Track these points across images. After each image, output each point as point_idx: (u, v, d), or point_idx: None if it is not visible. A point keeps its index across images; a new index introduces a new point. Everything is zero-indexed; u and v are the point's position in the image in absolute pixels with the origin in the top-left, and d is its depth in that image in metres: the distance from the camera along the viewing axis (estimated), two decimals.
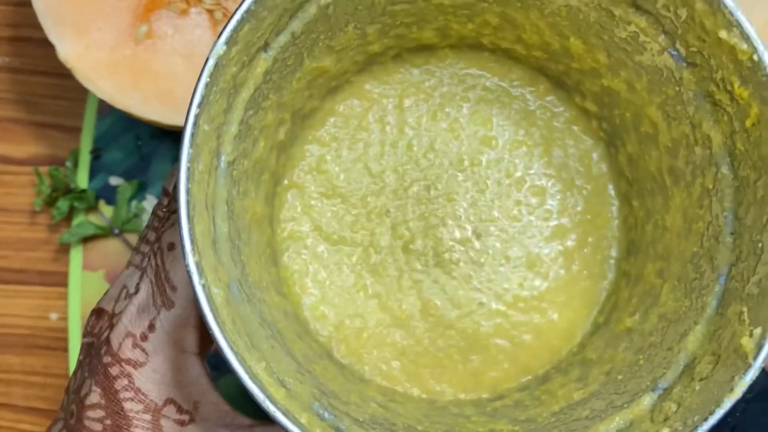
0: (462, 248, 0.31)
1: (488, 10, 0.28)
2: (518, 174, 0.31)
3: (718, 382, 0.23)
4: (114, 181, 0.44)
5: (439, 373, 0.30)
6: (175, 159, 0.44)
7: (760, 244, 0.23)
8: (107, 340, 0.27)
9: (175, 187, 0.27)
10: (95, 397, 0.27)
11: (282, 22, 0.25)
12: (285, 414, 0.22)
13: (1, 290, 0.45)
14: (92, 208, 0.44)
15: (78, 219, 0.44)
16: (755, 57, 0.22)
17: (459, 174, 0.31)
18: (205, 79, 0.22)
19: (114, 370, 0.27)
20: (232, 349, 0.22)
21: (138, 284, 0.28)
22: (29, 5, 0.37)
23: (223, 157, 0.25)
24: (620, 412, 0.25)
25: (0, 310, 0.45)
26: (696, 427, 0.22)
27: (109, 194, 0.44)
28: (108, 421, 0.27)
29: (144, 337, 0.27)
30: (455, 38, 0.30)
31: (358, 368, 0.30)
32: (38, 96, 0.46)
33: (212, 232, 0.24)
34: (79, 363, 0.29)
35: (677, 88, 0.26)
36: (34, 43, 0.45)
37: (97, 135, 0.45)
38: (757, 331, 0.22)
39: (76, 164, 0.44)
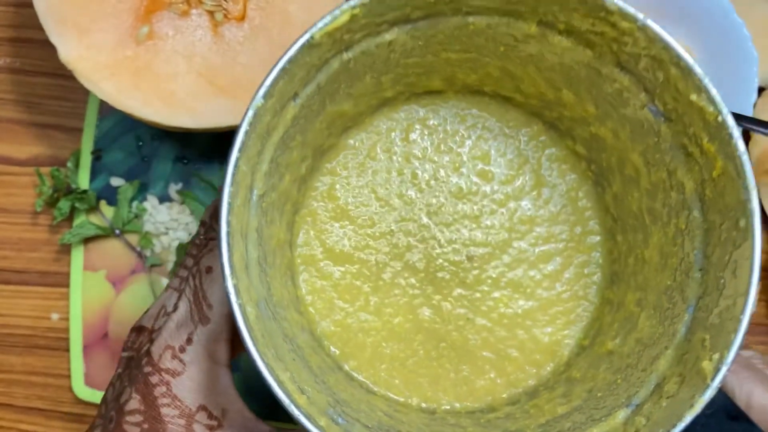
0: (454, 269, 0.35)
1: (490, 64, 0.32)
2: (511, 204, 0.35)
3: (682, 400, 0.26)
4: (115, 181, 0.45)
5: (434, 382, 0.34)
6: (176, 159, 0.44)
7: (722, 281, 0.27)
8: (148, 352, 0.31)
9: (212, 218, 0.32)
10: (135, 403, 0.30)
11: (310, 75, 0.28)
12: (307, 417, 0.25)
13: (2, 290, 0.45)
14: (93, 208, 0.45)
15: (79, 219, 0.44)
16: (720, 118, 0.26)
17: (458, 202, 0.35)
18: (245, 127, 0.26)
19: (154, 379, 0.30)
20: (263, 359, 0.25)
21: (176, 303, 0.31)
22: (31, 6, 0.37)
23: (255, 192, 0.29)
24: (598, 425, 0.28)
25: (1, 310, 0.45)
26: None
27: (110, 195, 0.44)
28: (146, 425, 0.30)
29: (182, 349, 0.31)
30: (460, 86, 0.35)
31: (365, 380, 0.34)
32: (39, 97, 0.46)
33: (245, 257, 0.28)
34: (118, 375, 0.32)
35: (656, 139, 0.30)
36: (36, 45, 0.46)
37: (98, 136, 0.45)
38: (716, 356, 0.26)
39: (77, 165, 0.45)
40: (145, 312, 0.33)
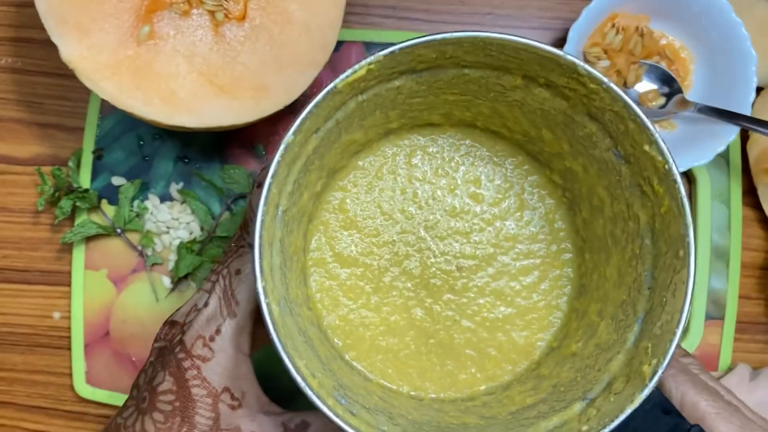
0: (445, 277, 0.41)
1: (482, 105, 0.39)
2: (497, 224, 0.41)
3: (626, 396, 0.32)
4: (116, 180, 0.45)
5: (422, 374, 0.40)
6: (177, 159, 0.45)
7: (664, 299, 0.33)
8: (181, 341, 0.36)
9: (242, 228, 0.38)
10: (168, 384, 0.35)
11: (330, 114, 0.35)
12: (318, 396, 0.31)
13: (4, 289, 0.46)
14: (94, 207, 0.45)
15: (80, 219, 0.45)
16: (667, 167, 0.32)
17: (452, 219, 0.41)
18: (277, 158, 0.32)
19: (186, 363, 0.35)
20: (284, 348, 0.31)
21: (207, 300, 0.37)
22: (32, 6, 0.37)
23: (280, 208, 0.34)
24: (557, 414, 0.34)
25: (3, 309, 0.46)
26: (606, 426, 0.31)
27: (111, 194, 0.45)
28: (177, 403, 0.35)
29: (212, 339, 0.36)
30: (456, 120, 0.41)
31: (363, 369, 0.40)
32: (41, 96, 0.46)
33: (271, 263, 0.33)
34: (150, 363, 0.38)
35: (618, 177, 0.36)
36: (37, 44, 0.46)
37: (99, 135, 0.46)
38: (654, 361, 0.32)
39: (78, 164, 0.45)
40: (177, 310, 0.39)
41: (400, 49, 0.33)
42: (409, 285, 0.41)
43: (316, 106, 0.33)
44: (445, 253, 0.41)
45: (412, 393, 0.40)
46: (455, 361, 0.40)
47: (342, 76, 0.33)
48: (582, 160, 0.38)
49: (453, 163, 0.42)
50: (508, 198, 0.42)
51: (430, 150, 0.42)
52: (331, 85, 0.33)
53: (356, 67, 0.33)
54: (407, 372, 0.40)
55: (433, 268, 0.41)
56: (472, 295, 0.41)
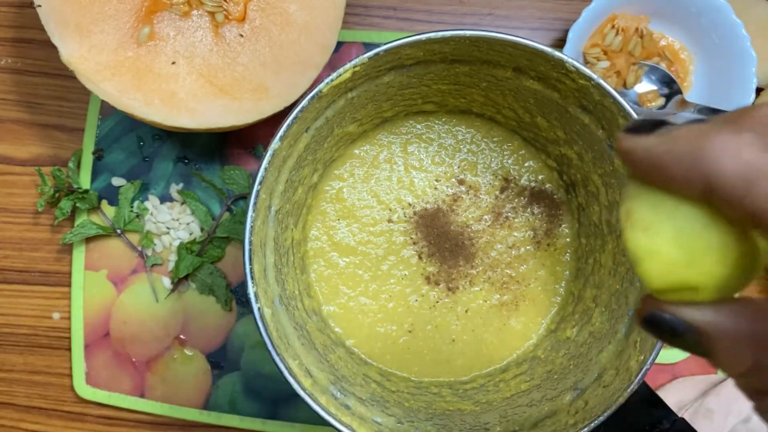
0: (441, 265, 0.41)
1: (475, 92, 0.40)
2: (494, 212, 0.42)
3: (613, 390, 0.33)
4: (116, 181, 0.46)
5: (420, 359, 0.41)
6: (177, 159, 0.45)
7: None
8: None
9: None
10: None
11: (319, 113, 0.35)
12: (311, 396, 0.32)
13: (3, 290, 0.46)
14: (94, 208, 0.45)
15: (80, 219, 0.45)
16: None
17: (447, 208, 0.42)
18: (264, 165, 0.32)
19: None
20: (278, 353, 0.32)
21: None
22: (32, 7, 0.37)
23: (273, 208, 0.35)
24: (548, 403, 0.35)
25: (3, 310, 0.46)
26: (592, 420, 0.32)
27: (111, 195, 0.45)
28: None
29: None
30: (451, 107, 0.42)
31: (362, 353, 0.41)
32: (41, 97, 0.47)
33: (264, 263, 0.34)
34: None
35: (611, 168, 0.36)
36: (37, 45, 0.47)
37: (99, 136, 0.46)
38: (641, 357, 0.33)
39: (78, 165, 0.46)
40: None
41: (385, 50, 0.33)
42: (406, 273, 0.41)
43: (301, 111, 0.33)
44: (441, 243, 0.42)
45: (411, 378, 0.41)
46: (452, 347, 0.41)
47: (326, 80, 0.33)
48: (577, 148, 0.39)
49: (449, 150, 0.43)
50: (504, 185, 0.42)
51: (426, 137, 0.43)
52: (316, 90, 0.33)
53: (341, 70, 0.33)
54: (405, 357, 0.41)
55: (430, 257, 0.42)
56: (467, 283, 0.42)
